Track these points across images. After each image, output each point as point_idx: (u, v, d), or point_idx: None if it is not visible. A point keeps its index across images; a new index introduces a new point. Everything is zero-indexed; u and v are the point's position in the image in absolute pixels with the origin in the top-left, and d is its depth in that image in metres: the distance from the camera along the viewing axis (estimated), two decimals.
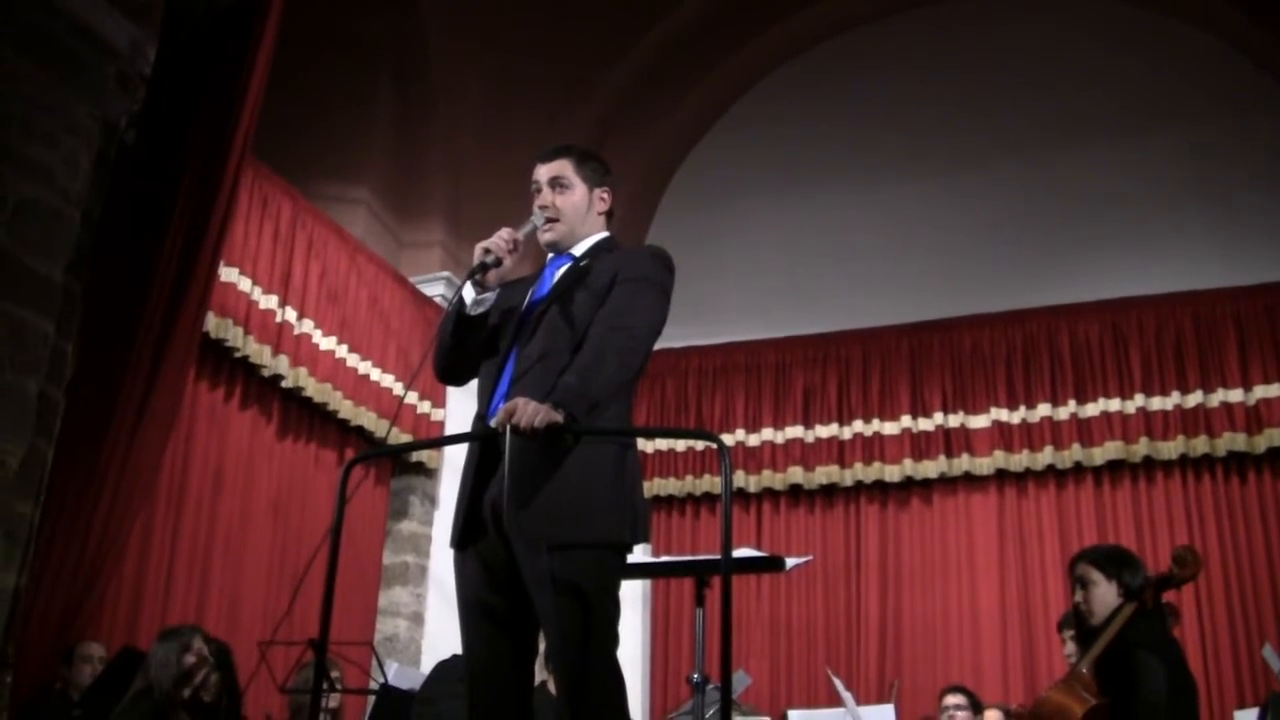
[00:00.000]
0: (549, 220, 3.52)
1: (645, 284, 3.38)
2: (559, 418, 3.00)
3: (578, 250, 3.54)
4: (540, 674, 4.96)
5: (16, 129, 5.02)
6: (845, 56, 11.54)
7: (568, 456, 3.14)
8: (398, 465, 9.88)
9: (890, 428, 10.29)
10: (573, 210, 3.54)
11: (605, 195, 3.62)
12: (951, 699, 7.43)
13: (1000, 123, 10.74)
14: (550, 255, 3.59)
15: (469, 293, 3.37)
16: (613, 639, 3.14)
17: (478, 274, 3.34)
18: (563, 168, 3.56)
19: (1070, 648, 5.65)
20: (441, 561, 9.56)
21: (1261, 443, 9.15)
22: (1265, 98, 10.05)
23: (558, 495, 3.12)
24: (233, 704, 6.09)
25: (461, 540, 3.29)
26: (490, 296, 3.40)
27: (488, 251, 3.33)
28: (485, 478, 3.23)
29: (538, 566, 3.07)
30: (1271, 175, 9.83)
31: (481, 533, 3.24)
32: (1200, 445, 9.33)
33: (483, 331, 3.44)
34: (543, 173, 3.57)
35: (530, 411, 2.98)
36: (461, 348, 3.45)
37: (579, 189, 3.56)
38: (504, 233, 3.36)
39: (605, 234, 3.61)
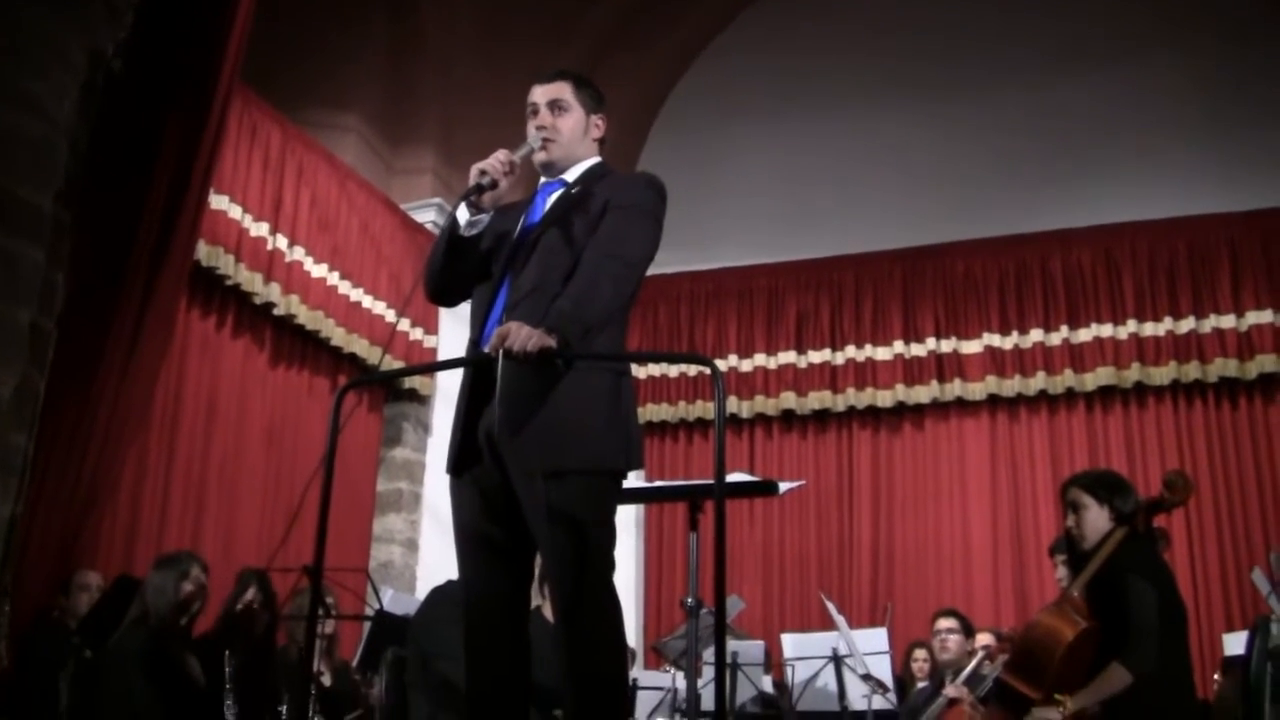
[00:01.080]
0: (546, 140, 3.49)
1: (637, 211, 3.36)
2: (552, 342, 2.99)
3: (570, 176, 3.51)
4: (534, 599, 4.97)
5: (2, 56, 4.95)
6: None
7: (562, 382, 3.13)
8: (391, 392, 9.89)
9: (883, 353, 10.32)
10: (569, 132, 3.51)
11: (600, 122, 3.59)
12: (943, 622, 7.48)
13: (994, 48, 10.64)
14: (542, 181, 3.56)
15: (463, 214, 3.34)
16: (609, 564, 3.15)
17: (473, 195, 3.30)
18: (561, 89, 3.53)
19: (1061, 572, 5.67)
20: (435, 488, 9.59)
21: (1253, 368, 9.21)
22: (1261, 23, 9.97)
23: (553, 421, 3.11)
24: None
25: (457, 466, 3.30)
26: (484, 218, 3.36)
27: (484, 173, 3.28)
28: (480, 403, 3.22)
29: (534, 492, 3.08)
30: (1268, 101, 9.77)
31: (477, 459, 3.24)
32: (1192, 371, 9.38)
33: (475, 254, 3.41)
34: (540, 94, 3.53)
35: (523, 336, 2.97)
36: (452, 268, 3.42)
37: (576, 112, 3.53)
38: (500, 154, 3.32)
39: (598, 159, 3.58)
